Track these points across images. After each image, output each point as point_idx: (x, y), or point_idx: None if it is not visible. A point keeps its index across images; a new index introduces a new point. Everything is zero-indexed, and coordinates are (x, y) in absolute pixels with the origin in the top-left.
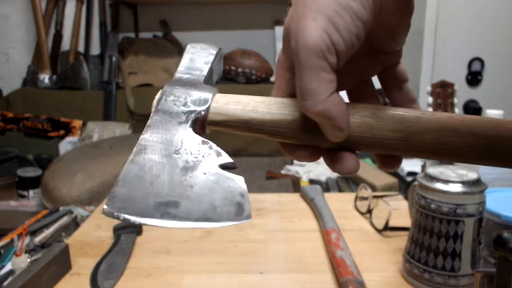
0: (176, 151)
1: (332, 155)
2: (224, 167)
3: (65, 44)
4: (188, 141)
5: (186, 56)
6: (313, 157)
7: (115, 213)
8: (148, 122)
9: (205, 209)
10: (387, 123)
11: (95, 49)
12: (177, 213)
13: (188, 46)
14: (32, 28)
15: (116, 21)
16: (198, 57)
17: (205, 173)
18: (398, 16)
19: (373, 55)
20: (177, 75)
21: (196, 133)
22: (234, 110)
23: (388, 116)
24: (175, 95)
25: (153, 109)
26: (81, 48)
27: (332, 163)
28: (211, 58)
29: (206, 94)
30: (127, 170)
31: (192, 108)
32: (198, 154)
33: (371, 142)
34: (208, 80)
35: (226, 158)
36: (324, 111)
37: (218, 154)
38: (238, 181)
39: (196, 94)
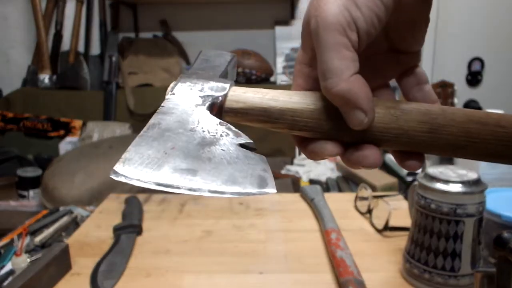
0: (192, 129)
1: (352, 149)
2: (243, 146)
3: (65, 44)
4: (205, 121)
5: (201, 57)
6: (332, 151)
7: (126, 177)
8: (162, 103)
9: (225, 179)
10: (412, 115)
11: (95, 49)
12: (194, 181)
13: (202, 51)
14: (32, 28)
15: (116, 21)
16: (213, 60)
17: (223, 150)
18: (417, 7)
19: (393, 56)
20: (191, 70)
21: (215, 113)
22: (252, 98)
23: (413, 108)
24: (191, 82)
25: (167, 95)
26: (81, 48)
27: (352, 156)
28: (227, 60)
29: (223, 84)
30: (139, 140)
31: (209, 93)
32: (216, 133)
33: (396, 134)
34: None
35: (246, 138)
36: (347, 90)
37: (237, 135)
38: (259, 158)
39: (213, 83)
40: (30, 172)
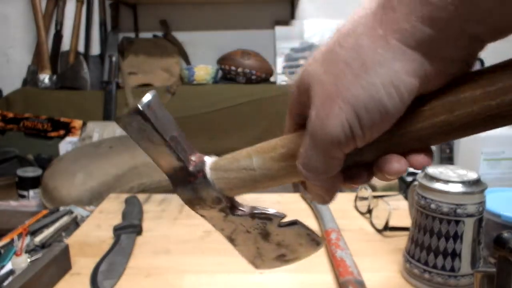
0: (247, 231)
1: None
2: (281, 225)
3: (65, 44)
4: (243, 223)
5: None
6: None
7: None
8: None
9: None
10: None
11: (95, 49)
12: (288, 259)
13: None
14: (32, 28)
15: (116, 21)
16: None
17: (277, 234)
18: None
19: None
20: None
21: (240, 213)
22: (237, 182)
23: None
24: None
25: None
26: (81, 48)
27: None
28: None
29: (214, 193)
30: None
31: (225, 204)
32: (258, 226)
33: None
34: (185, 158)
35: (276, 217)
36: (321, 186)
37: (268, 219)
38: (300, 225)
39: (210, 195)
40: (30, 172)
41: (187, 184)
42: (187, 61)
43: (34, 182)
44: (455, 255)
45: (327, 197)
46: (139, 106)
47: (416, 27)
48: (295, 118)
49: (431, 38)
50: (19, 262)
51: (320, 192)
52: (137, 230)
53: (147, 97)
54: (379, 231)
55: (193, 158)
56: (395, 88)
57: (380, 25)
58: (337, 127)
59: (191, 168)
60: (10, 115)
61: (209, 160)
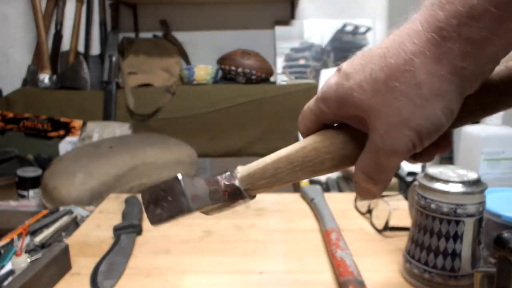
0: None
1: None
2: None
3: (65, 44)
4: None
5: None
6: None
7: None
8: None
9: None
10: None
11: (95, 49)
12: None
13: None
14: (32, 28)
15: (116, 21)
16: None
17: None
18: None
19: None
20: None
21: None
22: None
23: None
24: None
25: None
26: (81, 48)
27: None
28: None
29: (248, 202)
30: None
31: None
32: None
33: None
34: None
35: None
36: (375, 185)
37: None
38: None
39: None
40: (30, 172)
41: (224, 208)
42: (187, 61)
43: (34, 182)
44: (455, 255)
45: (380, 192)
46: (190, 207)
47: (468, 61)
48: (323, 122)
49: (476, 65)
50: (19, 262)
51: (374, 190)
52: (137, 230)
53: (187, 193)
54: (379, 231)
55: (223, 187)
56: (450, 110)
57: (434, 62)
58: (403, 147)
59: (228, 198)
60: (10, 115)
61: (239, 182)
